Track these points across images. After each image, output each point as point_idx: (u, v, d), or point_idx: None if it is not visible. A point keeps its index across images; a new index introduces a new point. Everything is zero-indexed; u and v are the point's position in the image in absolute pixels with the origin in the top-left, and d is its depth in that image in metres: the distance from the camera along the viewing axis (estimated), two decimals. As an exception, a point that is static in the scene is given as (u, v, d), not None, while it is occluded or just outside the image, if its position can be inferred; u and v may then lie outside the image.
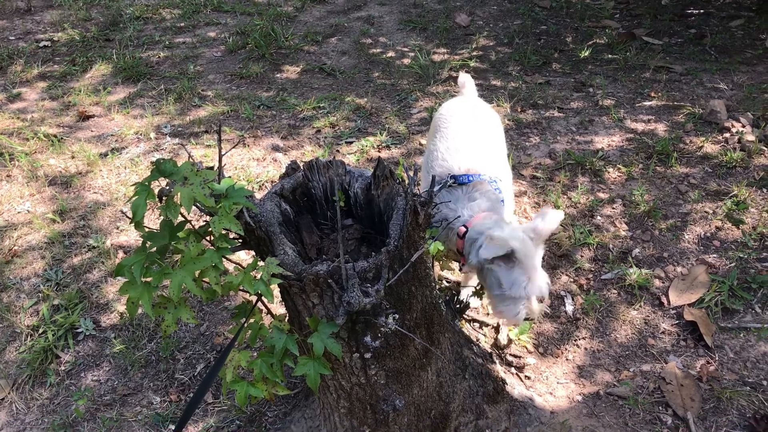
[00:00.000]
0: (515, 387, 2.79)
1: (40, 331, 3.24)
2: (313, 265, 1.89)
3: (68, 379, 3.06)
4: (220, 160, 1.88)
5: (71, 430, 2.82)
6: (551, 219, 2.51)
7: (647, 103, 5.10)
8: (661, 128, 4.71)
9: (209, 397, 2.89)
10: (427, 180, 3.12)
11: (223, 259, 1.82)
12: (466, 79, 3.66)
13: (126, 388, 2.99)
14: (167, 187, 1.70)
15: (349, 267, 1.84)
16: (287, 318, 2.15)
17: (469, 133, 3.07)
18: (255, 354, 2.02)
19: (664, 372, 2.94)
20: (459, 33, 6.79)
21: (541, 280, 2.52)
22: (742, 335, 3.09)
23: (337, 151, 4.61)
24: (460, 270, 2.84)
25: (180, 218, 1.79)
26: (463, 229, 2.64)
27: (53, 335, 3.20)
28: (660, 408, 2.81)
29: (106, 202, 4.14)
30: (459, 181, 2.84)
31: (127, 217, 1.74)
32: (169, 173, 1.71)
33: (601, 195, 4.01)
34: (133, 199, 1.69)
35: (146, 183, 1.71)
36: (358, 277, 1.85)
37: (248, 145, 4.70)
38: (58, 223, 3.96)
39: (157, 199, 1.70)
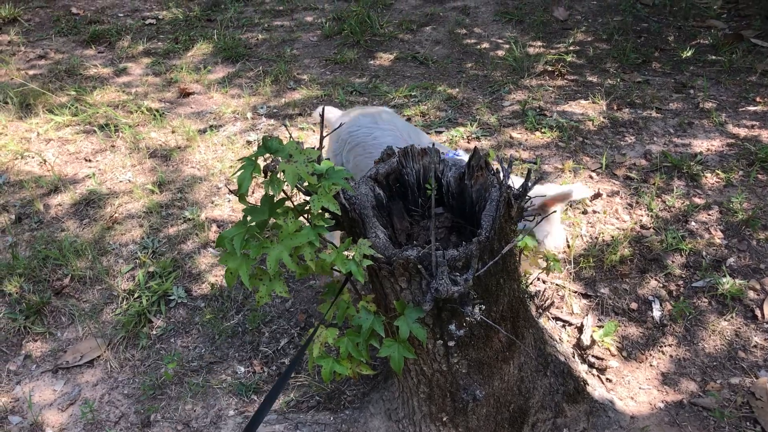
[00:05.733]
0: (596, 388, 2.75)
1: (135, 295, 3.41)
2: (404, 249, 1.92)
3: (159, 343, 3.21)
4: (321, 141, 1.93)
5: (160, 392, 2.96)
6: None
7: (752, 108, 4.88)
8: (765, 135, 4.50)
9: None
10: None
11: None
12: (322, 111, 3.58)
13: (213, 356, 3.12)
14: (272, 163, 1.76)
15: (439, 254, 1.85)
16: (374, 300, 2.19)
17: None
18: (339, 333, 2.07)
19: (754, 387, 2.84)
20: (556, 27, 6.66)
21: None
22: (842, 356, 2.94)
23: (427, 140, 4.63)
24: None
25: (279, 195, 1.85)
26: None
27: (147, 300, 3.36)
28: (747, 424, 2.71)
29: (202, 176, 4.29)
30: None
31: (230, 190, 1.81)
32: (274, 150, 1.77)
33: (697, 200, 3.87)
34: (239, 172, 1.76)
35: (252, 158, 1.77)
36: (448, 265, 1.86)
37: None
38: (156, 194, 4.14)
39: (261, 174, 1.76)
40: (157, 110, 5.11)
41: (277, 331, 3.21)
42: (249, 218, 1.86)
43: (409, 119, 4.92)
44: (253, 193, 4.11)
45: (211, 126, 4.89)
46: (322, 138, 1.91)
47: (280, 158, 1.74)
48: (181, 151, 4.57)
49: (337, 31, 6.63)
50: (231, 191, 1.78)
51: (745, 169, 4.13)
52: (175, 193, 4.14)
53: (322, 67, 5.93)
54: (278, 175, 1.74)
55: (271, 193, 1.78)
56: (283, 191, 1.82)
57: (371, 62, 6.00)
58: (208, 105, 5.28)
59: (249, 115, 5.05)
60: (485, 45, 6.29)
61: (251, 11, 7.40)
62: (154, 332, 3.26)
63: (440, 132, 4.72)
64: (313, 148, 1.85)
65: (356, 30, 6.47)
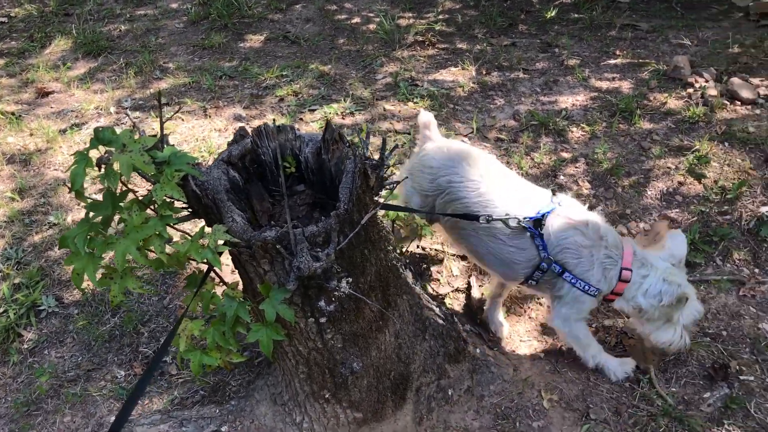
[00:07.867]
0: (477, 346, 2.81)
1: (1, 310, 3.21)
2: (262, 231, 1.88)
3: (31, 357, 3.04)
4: (161, 127, 1.84)
5: (35, 408, 2.81)
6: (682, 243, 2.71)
7: (612, 62, 5.09)
8: (625, 86, 4.71)
9: (173, 369, 2.89)
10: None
11: (173, 229, 1.80)
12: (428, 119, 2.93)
13: (90, 363, 2.98)
14: (106, 156, 1.67)
15: (297, 232, 1.82)
16: (241, 286, 2.15)
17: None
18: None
19: (625, 327, 2.98)
20: (425, -3, 6.72)
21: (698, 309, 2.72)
22: (703, 288, 3.13)
23: (301, 119, 4.57)
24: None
25: (125, 188, 1.76)
26: (628, 273, 2.56)
27: (15, 314, 3.17)
28: (622, 361, 2.84)
29: (66, 178, 4.07)
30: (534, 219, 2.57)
31: (68, 187, 1.71)
32: (107, 141, 1.68)
33: (564, 154, 4.01)
34: (72, 167, 1.66)
35: (85, 152, 1.68)
36: (308, 242, 1.83)
37: (210, 116, 4.64)
38: (17, 201, 3.90)
39: (95, 168, 1.67)
40: (13, 113, 4.80)
41: (156, 330, 3.10)
42: (92, 215, 1.77)
43: (281, 99, 4.85)
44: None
45: (73, 125, 4.64)
46: (162, 123, 1.83)
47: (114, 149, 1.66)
48: (41, 154, 4.31)
49: (203, 16, 6.43)
50: (68, 188, 1.68)
51: (607, 120, 4.31)
52: (38, 199, 3.91)
53: (189, 54, 5.74)
54: (114, 167, 1.66)
55: (109, 187, 1.69)
56: (125, 184, 1.74)
57: (241, 45, 5.85)
58: (70, 103, 5.00)
59: (113, 109, 4.82)
60: (356, 20, 6.27)
61: (111, 2, 7.06)
62: (26, 346, 3.08)
63: (314, 110, 4.67)
64: (155, 136, 1.77)
65: (223, 13, 6.30)
